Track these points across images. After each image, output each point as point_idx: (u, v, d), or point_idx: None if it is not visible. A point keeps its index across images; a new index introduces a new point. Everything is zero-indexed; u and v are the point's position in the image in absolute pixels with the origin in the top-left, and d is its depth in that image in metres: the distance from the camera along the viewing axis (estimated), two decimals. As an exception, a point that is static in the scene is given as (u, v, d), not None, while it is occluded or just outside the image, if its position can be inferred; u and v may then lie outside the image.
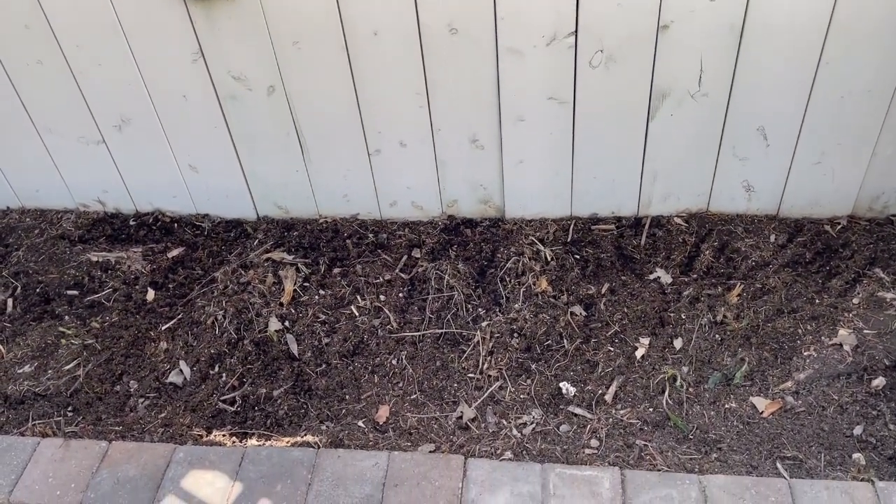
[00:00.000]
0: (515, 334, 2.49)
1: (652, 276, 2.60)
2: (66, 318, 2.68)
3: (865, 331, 2.35)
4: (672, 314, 2.49)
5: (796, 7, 2.23)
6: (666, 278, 2.59)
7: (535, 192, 2.78)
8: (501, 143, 2.65)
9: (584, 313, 2.52)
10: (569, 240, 2.75)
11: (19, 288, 2.80)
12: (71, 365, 2.52)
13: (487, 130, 2.64)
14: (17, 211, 3.15)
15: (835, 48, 2.30)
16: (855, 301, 2.44)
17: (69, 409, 2.41)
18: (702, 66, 2.39)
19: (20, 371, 2.53)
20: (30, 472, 2.18)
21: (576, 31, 2.34)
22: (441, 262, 2.73)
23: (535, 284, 2.61)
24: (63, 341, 2.60)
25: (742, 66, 2.38)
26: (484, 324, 2.53)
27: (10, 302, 2.76)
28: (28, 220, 3.09)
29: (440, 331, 2.54)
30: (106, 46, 2.55)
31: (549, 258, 2.68)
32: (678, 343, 2.41)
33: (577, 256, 2.69)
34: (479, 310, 2.58)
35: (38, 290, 2.79)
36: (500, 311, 2.56)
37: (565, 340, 2.46)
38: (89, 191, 3.03)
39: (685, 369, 2.34)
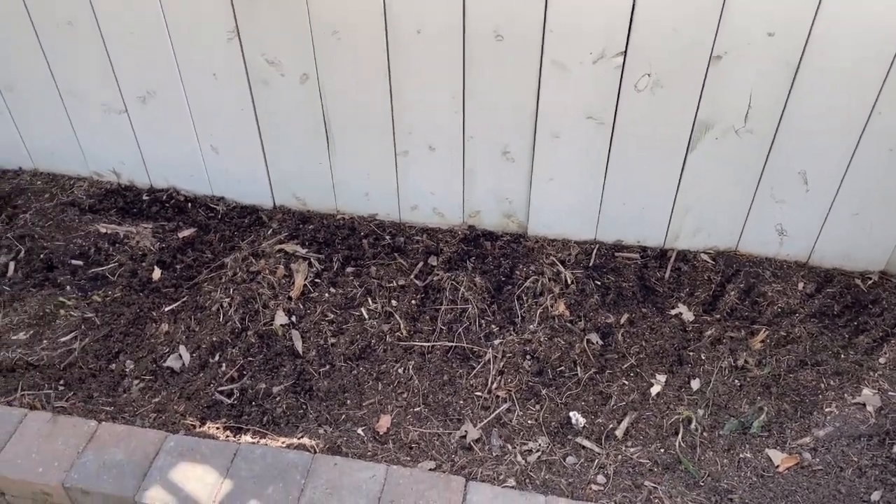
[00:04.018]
0: (528, 356, 2.40)
1: (673, 312, 2.52)
2: (68, 288, 2.59)
3: (890, 393, 2.27)
4: (692, 353, 2.41)
5: (857, 53, 2.15)
6: (688, 315, 2.51)
7: (561, 211, 2.70)
8: (533, 157, 2.57)
9: (600, 342, 2.44)
10: (591, 264, 2.67)
11: (23, 252, 2.72)
12: (67, 337, 2.44)
13: (520, 143, 2.56)
14: (28, 172, 3.07)
15: (890, 99, 2.22)
16: (881, 360, 2.36)
17: (61, 382, 2.32)
18: (750, 101, 2.31)
19: (14, 338, 2.44)
20: (13, 445, 2.09)
21: (625, 51, 2.27)
22: (458, 272, 2.64)
23: (552, 306, 2.52)
24: (62, 312, 2.51)
25: (791, 106, 2.30)
26: (496, 341, 2.45)
27: (11, 265, 2.67)
28: (39, 183, 3.02)
29: (451, 344, 2.45)
30: (140, 14, 2.48)
31: (569, 281, 2.60)
32: (696, 384, 2.33)
33: (598, 283, 2.61)
34: (493, 326, 2.50)
35: (41, 255, 2.70)
36: (514, 330, 2.48)
37: (579, 368, 2.37)
38: (105, 160, 2.96)
39: (701, 412, 2.26)
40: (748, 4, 2.12)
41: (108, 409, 2.24)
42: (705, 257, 2.68)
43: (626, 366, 2.38)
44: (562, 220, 2.72)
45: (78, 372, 2.35)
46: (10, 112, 2.89)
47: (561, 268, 2.64)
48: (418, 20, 2.32)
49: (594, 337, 2.45)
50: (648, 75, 2.31)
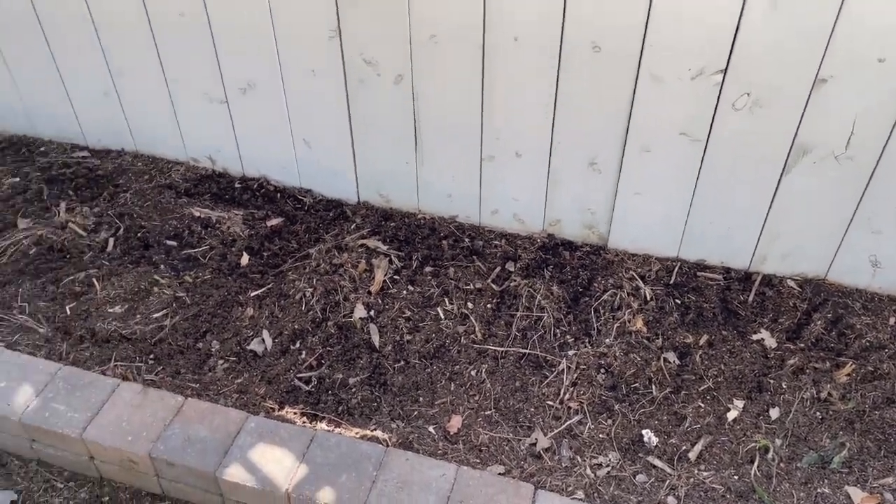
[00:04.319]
0: (603, 370, 2.39)
1: (755, 337, 2.46)
2: (162, 267, 2.72)
3: (984, 440, 2.16)
4: (772, 381, 2.35)
5: (975, 83, 2.07)
6: (770, 342, 2.45)
7: (644, 226, 2.68)
8: (621, 170, 2.56)
9: (677, 362, 2.41)
10: (671, 282, 2.64)
11: (122, 229, 2.86)
12: (159, 314, 2.56)
13: (608, 155, 2.55)
14: (130, 154, 3.23)
15: None
16: (977, 406, 2.25)
17: (151, 356, 2.44)
18: (854, 127, 2.25)
19: (110, 310, 2.58)
20: (106, 413, 2.21)
21: (726, 69, 2.23)
22: (535, 280, 2.65)
23: (629, 322, 2.50)
24: (155, 289, 2.64)
25: (898, 135, 2.22)
26: (571, 352, 2.45)
27: (111, 241, 2.82)
28: (140, 164, 3.17)
29: (524, 350, 2.47)
30: (249, 9, 2.58)
31: (648, 297, 2.57)
32: (774, 413, 2.27)
33: (678, 301, 2.57)
34: (568, 337, 2.50)
35: (139, 234, 2.84)
36: (589, 342, 2.47)
37: (654, 386, 2.35)
38: (203, 147, 3.08)
39: (779, 442, 2.20)
40: (859, 30, 2.06)
41: (193, 385, 2.35)
42: (792, 284, 2.61)
43: (702, 388, 2.34)
44: (645, 235, 2.70)
45: (167, 348, 2.46)
46: (118, 95, 3.05)
47: (640, 283, 2.62)
48: (517, 28, 2.34)
49: (671, 356, 2.42)
50: (748, 94, 2.27)
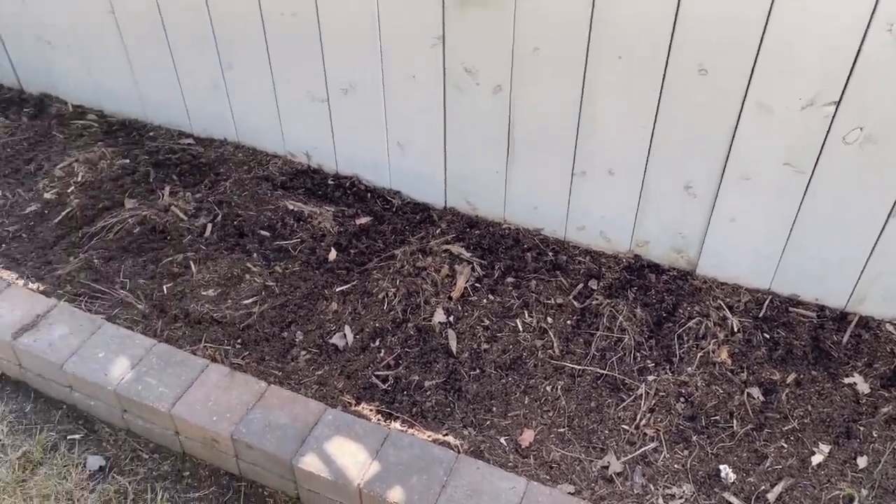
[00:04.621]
0: (682, 399, 2.34)
1: (847, 380, 2.36)
2: (255, 255, 2.82)
3: None
4: (862, 428, 2.25)
5: None
6: (863, 387, 2.34)
7: (736, 255, 2.60)
8: (717, 196, 2.50)
9: (761, 398, 2.33)
10: (761, 315, 2.56)
11: (220, 216, 2.99)
12: (249, 300, 2.66)
13: (705, 180, 2.50)
14: (232, 144, 3.37)
15: None
16: None
17: (238, 341, 2.53)
18: (975, 170, 2.13)
19: (204, 293, 2.69)
20: (194, 391, 2.31)
21: (839, 101, 2.15)
22: (618, 300, 2.62)
23: (714, 352, 2.44)
24: (247, 276, 2.74)
25: None
26: (650, 377, 2.40)
27: (209, 227, 2.95)
28: (240, 155, 3.30)
29: (602, 371, 2.44)
30: (357, 12, 2.65)
31: (735, 328, 2.50)
32: (862, 461, 2.17)
33: (767, 336, 2.49)
34: (648, 361, 2.46)
35: (235, 222, 2.96)
36: (670, 369, 2.42)
37: (735, 421, 2.28)
38: (301, 143, 3.19)
39: (865, 492, 2.11)
40: None
41: (276, 373, 2.43)
42: (890, 328, 2.49)
43: (787, 428, 2.26)
44: (736, 263, 2.63)
45: (254, 334, 2.55)
46: (226, 88, 3.19)
47: (728, 313, 2.55)
48: (622, 46, 2.32)
49: (756, 391, 2.35)
50: (861, 129, 2.18)
